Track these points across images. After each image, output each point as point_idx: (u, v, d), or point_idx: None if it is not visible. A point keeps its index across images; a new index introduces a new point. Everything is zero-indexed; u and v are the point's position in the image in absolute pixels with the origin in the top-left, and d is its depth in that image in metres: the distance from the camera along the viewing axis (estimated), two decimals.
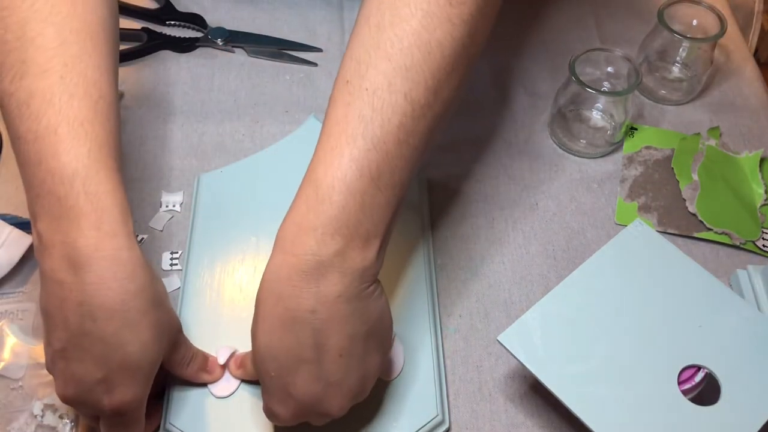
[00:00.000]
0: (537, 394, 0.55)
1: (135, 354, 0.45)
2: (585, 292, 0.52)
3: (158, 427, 0.52)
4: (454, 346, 0.58)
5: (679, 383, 0.49)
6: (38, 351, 0.56)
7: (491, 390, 0.56)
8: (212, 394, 0.53)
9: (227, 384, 0.53)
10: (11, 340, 0.56)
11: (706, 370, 0.49)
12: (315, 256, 0.43)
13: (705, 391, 0.49)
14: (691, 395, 0.48)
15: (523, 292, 0.61)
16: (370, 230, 0.44)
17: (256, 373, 0.48)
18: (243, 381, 0.53)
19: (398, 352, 0.55)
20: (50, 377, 0.54)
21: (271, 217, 0.62)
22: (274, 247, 0.45)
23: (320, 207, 0.43)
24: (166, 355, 0.49)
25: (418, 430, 0.52)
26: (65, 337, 0.45)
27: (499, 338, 0.50)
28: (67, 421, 0.53)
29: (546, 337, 0.50)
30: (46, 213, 0.45)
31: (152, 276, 0.47)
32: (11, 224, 0.60)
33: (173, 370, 0.51)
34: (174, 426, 0.52)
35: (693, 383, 0.49)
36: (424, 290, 0.58)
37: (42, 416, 0.53)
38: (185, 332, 0.56)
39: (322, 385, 0.45)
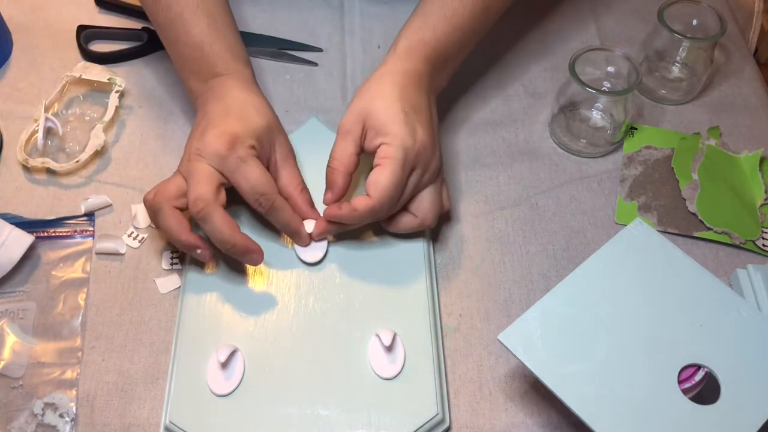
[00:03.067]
0: (537, 393, 0.56)
1: (248, 114, 0.59)
2: (585, 291, 0.52)
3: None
4: (455, 345, 0.58)
5: (679, 382, 0.49)
6: (38, 350, 0.56)
7: (491, 389, 0.56)
8: (212, 392, 0.53)
9: (227, 382, 0.53)
10: (11, 339, 0.56)
11: (706, 369, 0.49)
12: (429, 67, 0.61)
13: (705, 390, 0.49)
14: (691, 394, 0.48)
15: (523, 292, 0.61)
16: (455, 61, 0.64)
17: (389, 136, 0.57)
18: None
19: (398, 352, 0.55)
20: (50, 376, 0.55)
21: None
22: (394, 55, 0.61)
23: (432, 35, 0.61)
24: (282, 170, 0.60)
25: (419, 428, 0.52)
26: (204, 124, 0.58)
27: (499, 337, 0.50)
28: (68, 419, 0.53)
29: (546, 336, 0.50)
30: (191, 72, 0.63)
31: (265, 99, 0.62)
32: (12, 224, 0.60)
33: (288, 189, 0.60)
34: (174, 424, 0.52)
35: (693, 382, 0.49)
36: (425, 290, 0.58)
37: (42, 415, 0.53)
38: (186, 332, 0.56)
39: (430, 132, 0.59)
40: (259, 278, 0.59)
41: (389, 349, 0.54)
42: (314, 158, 0.66)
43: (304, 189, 0.61)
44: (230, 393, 0.53)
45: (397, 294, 0.58)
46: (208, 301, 0.57)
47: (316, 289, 0.58)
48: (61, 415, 0.53)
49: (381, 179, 0.55)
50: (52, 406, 0.54)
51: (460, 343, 0.58)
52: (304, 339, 0.56)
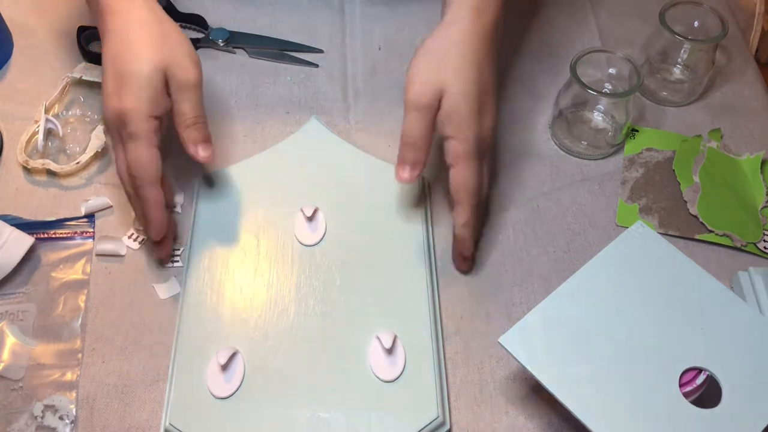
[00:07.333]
0: (538, 396, 0.55)
1: (131, 63, 0.55)
2: (586, 294, 0.52)
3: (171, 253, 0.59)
4: (455, 348, 0.58)
5: (681, 385, 0.48)
6: (38, 352, 0.56)
7: (492, 392, 0.56)
8: (212, 394, 0.53)
9: (227, 384, 0.53)
10: (11, 341, 0.56)
11: (707, 373, 0.49)
12: (498, 26, 0.58)
13: (706, 393, 0.49)
14: (692, 398, 0.48)
15: (524, 294, 0.61)
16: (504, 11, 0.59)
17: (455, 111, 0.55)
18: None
19: (399, 354, 0.55)
20: (50, 378, 0.55)
21: (271, 218, 0.62)
22: (467, 11, 0.56)
23: None
24: (173, 103, 0.57)
25: (419, 431, 0.52)
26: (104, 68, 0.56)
27: (500, 340, 0.50)
28: (67, 421, 0.53)
29: (547, 339, 0.50)
30: None
31: (160, 17, 0.58)
32: (12, 225, 0.60)
33: (176, 125, 0.58)
34: (174, 427, 0.52)
35: (694, 386, 0.49)
36: (425, 291, 0.58)
37: (42, 417, 0.53)
38: (186, 334, 0.56)
39: (495, 113, 0.58)
40: (259, 280, 0.59)
41: (390, 351, 0.54)
42: (314, 159, 0.66)
43: (192, 125, 0.58)
44: (230, 395, 0.53)
45: (397, 296, 0.58)
46: (208, 303, 0.57)
47: (317, 291, 0.58)
48: (60, 417, 0.53)
49: (468, 182, 0.56)
50: (51, 408, 0.54)
51: (460, 345, 0.58)
52: (305, 341, 0.56)
